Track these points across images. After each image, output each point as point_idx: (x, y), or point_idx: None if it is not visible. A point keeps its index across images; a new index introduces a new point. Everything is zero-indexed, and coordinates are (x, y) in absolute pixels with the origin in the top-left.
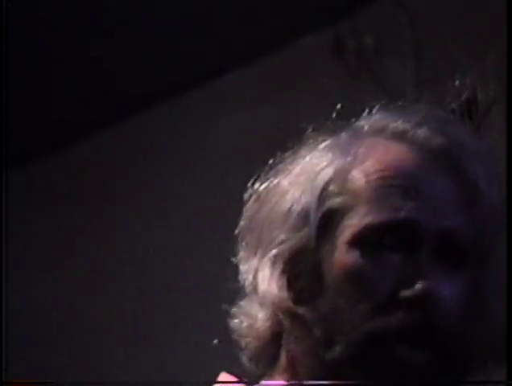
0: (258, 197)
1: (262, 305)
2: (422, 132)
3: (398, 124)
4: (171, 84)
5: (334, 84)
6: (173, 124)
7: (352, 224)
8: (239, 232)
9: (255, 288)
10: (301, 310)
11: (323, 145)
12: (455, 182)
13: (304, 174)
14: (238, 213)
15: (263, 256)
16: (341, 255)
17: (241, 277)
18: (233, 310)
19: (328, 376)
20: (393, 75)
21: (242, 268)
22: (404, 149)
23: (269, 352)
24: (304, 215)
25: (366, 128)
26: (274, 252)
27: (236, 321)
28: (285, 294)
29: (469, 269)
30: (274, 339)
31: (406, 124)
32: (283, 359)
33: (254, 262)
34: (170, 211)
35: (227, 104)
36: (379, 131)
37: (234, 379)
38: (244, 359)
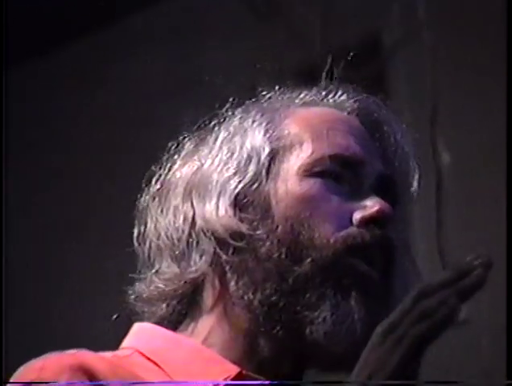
0: (182, 164)
1: (205, 236)
2: (332, 99)
3: (304, 95)
4: None
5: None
6: None
7: (301, 158)
8: (155, 195)
9: (199, 226)
10: (258, 234)
11: (238, 115)
12: (376, 135)
13: (237, 132)
14: None
15: (203, 200)
16: (293, 186)
17: (166, 233)
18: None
19: (290, 297)
20: (304, 20)
21: (170, 221)
22: (324, 109)
23: (186, 301)
24: (249, 157)
25: (274, 102)
26: (218, 189)
27: (144, 284)
28: (236, 220)
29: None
30: (193, 290)
31: (313, 95)
32: (209, 300)
33: (188, 209)
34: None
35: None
36: (290, 101)
37: (149, 325)
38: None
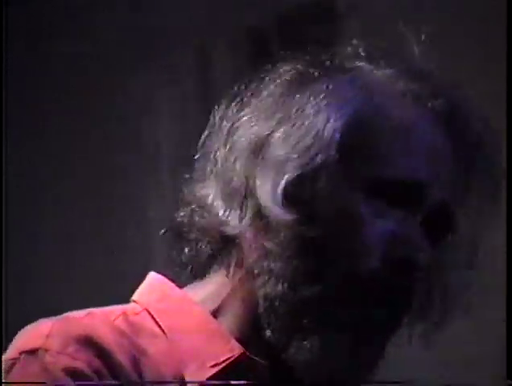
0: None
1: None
2: (412, 82)
3: (383, 71)
4: None
5: None
6: None
7: (364, 169)
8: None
9: (246, 190)
10: (302, 230)
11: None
12: (455, 148)
13: (330, 98)
14: None
15: (264, 174)
16: (344, 200)
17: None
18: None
19: (290, 304)
20: None
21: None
22: (402, 102)
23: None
24: (319, 144)
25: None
26: (281, 170)
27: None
28: (285, 211)
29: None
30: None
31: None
32: (233, 265)
33: (247, 172)
34: None
35: None
36: (367, 75)
37: (163, 279)
38: (183, 258)
